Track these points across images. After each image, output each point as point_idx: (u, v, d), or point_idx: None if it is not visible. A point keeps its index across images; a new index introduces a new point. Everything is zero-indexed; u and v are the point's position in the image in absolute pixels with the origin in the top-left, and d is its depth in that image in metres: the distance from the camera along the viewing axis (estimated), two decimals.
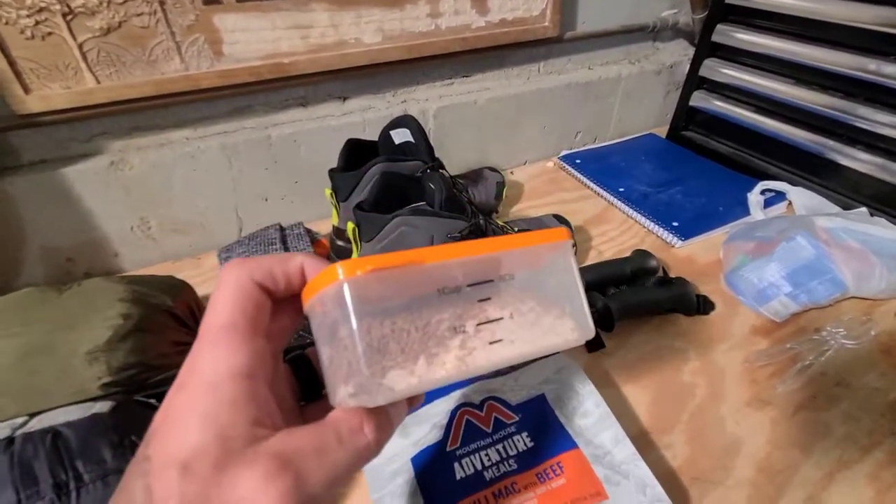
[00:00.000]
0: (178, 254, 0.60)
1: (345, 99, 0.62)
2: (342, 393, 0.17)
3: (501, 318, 0.19)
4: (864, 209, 0.59)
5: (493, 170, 0.68)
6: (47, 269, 0.53)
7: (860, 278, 0.48)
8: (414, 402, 0.21)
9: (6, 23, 0.41)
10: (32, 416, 0.29)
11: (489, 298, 0.19)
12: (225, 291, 0.17)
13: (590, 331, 0.20)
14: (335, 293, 0.16)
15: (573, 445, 0.34)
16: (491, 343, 0.18)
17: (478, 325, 0.18)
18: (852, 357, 0.45)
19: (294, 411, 0.20)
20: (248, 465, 0.14)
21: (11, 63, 0.43)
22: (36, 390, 0.32)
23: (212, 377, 0.16)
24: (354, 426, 0.17)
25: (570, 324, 0.20)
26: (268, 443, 0.15)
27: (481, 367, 0.18)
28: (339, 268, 0.16)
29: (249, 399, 0.16)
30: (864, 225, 0.51)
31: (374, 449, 0.18)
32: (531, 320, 0.19)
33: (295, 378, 0.21)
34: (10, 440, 0.26)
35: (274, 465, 0.14)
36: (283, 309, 0.19)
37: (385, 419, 0.18)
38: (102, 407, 0.29)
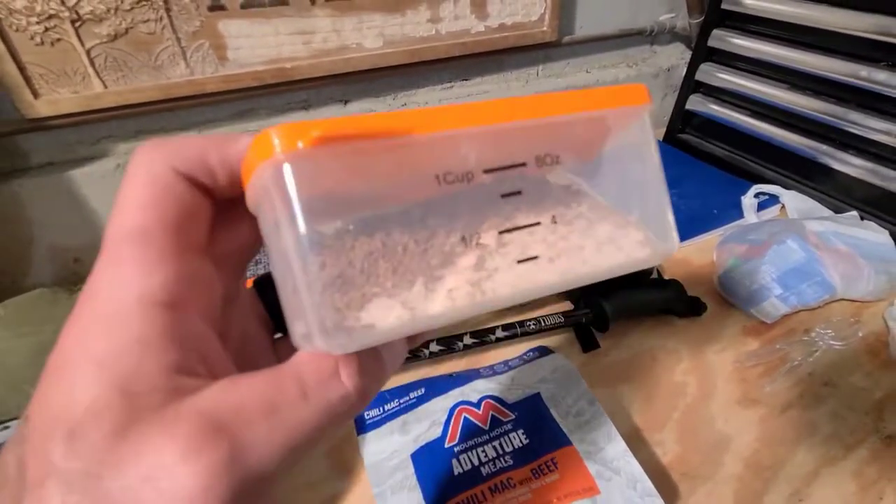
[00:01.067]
0: None
1: (346, 102, 0.64)
2: (296, 332, 0.12)
3: (538, 223, 0.13)
4: (854, 213, 0.60)
5: None
6: (55, 269, 0.54)
7: (848, 281, 0.49)
8: (415, 341, 0.16)
9: (16, 30, 0.42)
10: None
11: (519, 192, 0.13)
12: (135, 184, 0.12)
13: (671, 244, 0.14)
14: (271, 176, 0.10)
15: (567, 442, 0.36)
16: (520, 262, 0.12)
17: (500, 232, 0.12)
18: (839, 357, 0.47)
19: (266, 352, 0.16)
20: (162, 430, 0.10)
21: (21, 69, 0.44)
22: None
23: (112, 307, 0.11)
24: (325, 371, 0.12)
25: (640, 235, 0.14)
26: (195, 398, 0.10)
27: (505, 298, 0.12)
28: (275, 136, 0.10)
29: (168, 338, 0.11)
30: (853, 229, 0.52)
31: (356, 400, 0.12)
32: (582, 227, 0.13)
33: (262, 304, 0.16)
34: None
35: (200, 429, 0.10)
36: (241, 213, 0.14)
37: (372, 359, 0.13)
38: None
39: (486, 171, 0.12)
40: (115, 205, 0.12)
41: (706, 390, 0.44)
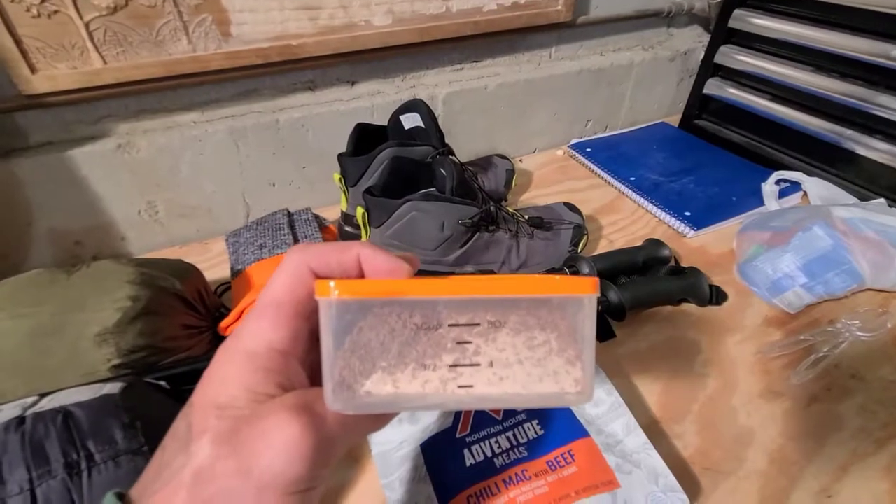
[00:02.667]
0: (186, 238, 0.59)
1: (353, 83, 0.62)
2: (325, 391, 0.17)
3: (478, 365, 0.18)
4: (882, 200, 0.58)
5: (502, 157, 0.67)
6: (55, 252, 0.53)
7: (878, 269, 0.47)
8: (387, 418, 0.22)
9: (12, 1, 0.41)
10: (43, 396, 0.28)
11: (469, 342, 0.18)
12: (281, 272, 0.19)
13: (587, 397, 0.18)
14: (322, 308, 0.17)
15: (584, 434, 0.34)
16: (460, 387, 0.17)
17: (451, 366, 0.17)
18: (867, 350, 0.45)
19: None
20: (273, 409, 0.16)
21: (17, 42, 0.42)
22: (45, 371, 0.32)
23: (251, 347, 0.18)
24: None
25: (560, 387, 0.18)
26: (290, 394, 0.17)
27: (451, 406, 0.19)
28: (322, 283, 0.16)
29: (280, 370, 0.17)
30: (882, 216, 0.50)
31: (383, 419, 0.20)
32: (510, 373, 0.18)
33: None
34: (21, 419, 0.26)
35: (295, 408, 0.16)
36: None
37: None
38: (112, 388, 0.29)
39: (451, 325, 0.17)
40: (269, 281, 0.19)
41: (727, 382, 0.43)
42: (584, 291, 0.17)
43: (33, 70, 0.44)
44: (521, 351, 0.18)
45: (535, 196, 0.69)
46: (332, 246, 0.19)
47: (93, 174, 0.51)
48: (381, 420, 0.20)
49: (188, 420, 0.17)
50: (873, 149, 0.60)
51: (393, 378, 0.17)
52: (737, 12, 0.69)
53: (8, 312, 0.32)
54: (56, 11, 0.42)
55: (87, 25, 0.44)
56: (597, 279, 0.18)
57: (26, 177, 0.48)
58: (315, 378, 0.19)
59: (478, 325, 0.17)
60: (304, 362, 0.19)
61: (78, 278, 0.35)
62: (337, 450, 0.17)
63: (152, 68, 0.48)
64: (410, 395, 0.17)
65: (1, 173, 0.47)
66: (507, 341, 0.18)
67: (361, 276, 0.19)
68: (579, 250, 0.53)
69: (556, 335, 0.18)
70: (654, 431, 0.38)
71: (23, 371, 0.31)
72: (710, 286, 0.49)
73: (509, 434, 0.35)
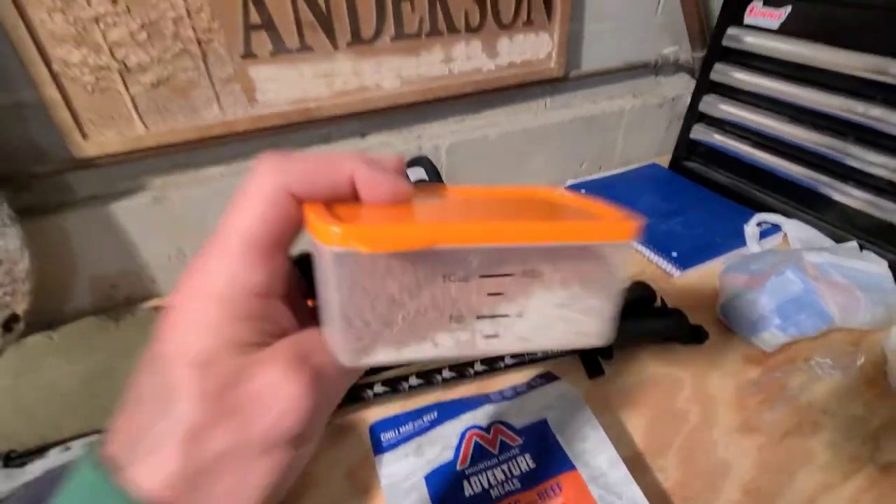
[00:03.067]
0: None
1: (364, 135, 0.67)
2: (335, 345, 0.16)
3: (508, 316, 0.17)
4: (854, 243, 0.62)
5: None
6: (93, 295, 0.58)
7: (846, 311, 0.51)
8: None
9: (72, 80, 0.47)
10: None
11: (501, 294, 0.16)
12: (254, 198, 0.16)
13: (604, 340, 0.18)
14: (324, 255, 0.14)
15: (571, 467, 0.38)
16: (487, 337, 0.17)
17: (478, 317, 0.16)
18: (838, 386, 0.48)
19: (308, 310, 0.20)
20: (267, 362, 0.15)
21: (73, 114, 0.48)
22: (98, 410, 0.36)
23: (225, 290, 0.15)
24: None
25: (586, 329, 0.17)
26: (282, 342, 0.15)
27: (473, 354, 0.18)
28: (334, 229, 0.14)
29: (264, 317, 0.16)
30: (851, 260, 0.54)
31: None
32: (541, 321, 0.17)
33: (303, 277, 0.20)
34: None
35: (293, 360, 0.15)
36: None
37: None
38: None
39: (482, 276, 0.16)
40: (236, 203, 0.16)
41: (708, 417, 0.46)
42: (626, 237, 0.16)
43: (85, 137, 0.50)
44: (553, 300, 0.17)
45: None
46: (317, 162, 0.16)
47: (130, 224, 0.56)
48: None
49: (160, 376, 0.15)
50: (847, 194, 0.64)
51: (412, 330, 0.16)
52: (717, 66, 0.75)
53: (66, 358, 0.37)
54: (108, 87, 0.49)
55: (132, 98, 0.50)
56: (635, 221, 0.17)
57: (72, 229, 0.54)
58: (303, 317, 0.18)
59: (512, 275, 0.16)
60: (290, 299, 0.17)
61: (125, 326, 0.40)
62: (337, 399, 0.17)
63: (187, 132, 0.54)
64: (427, 346, 0.16)
65: (51, 226, 0.52)
66: (539, 291, 0.16)
67: (355, 197, 0.17)
68: None
69: (591, 282, 0.17)
70: (639, 464, 0.42)
71: (79, 410, 0.36)
72: (693, 326, 0.53)
73: (504, 467, 0.39)
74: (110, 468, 0.14)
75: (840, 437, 0.44)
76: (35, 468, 0.29)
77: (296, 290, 0.19)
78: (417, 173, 0.56)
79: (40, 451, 0.30)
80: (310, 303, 0.20)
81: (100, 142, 0.50)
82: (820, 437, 0.44)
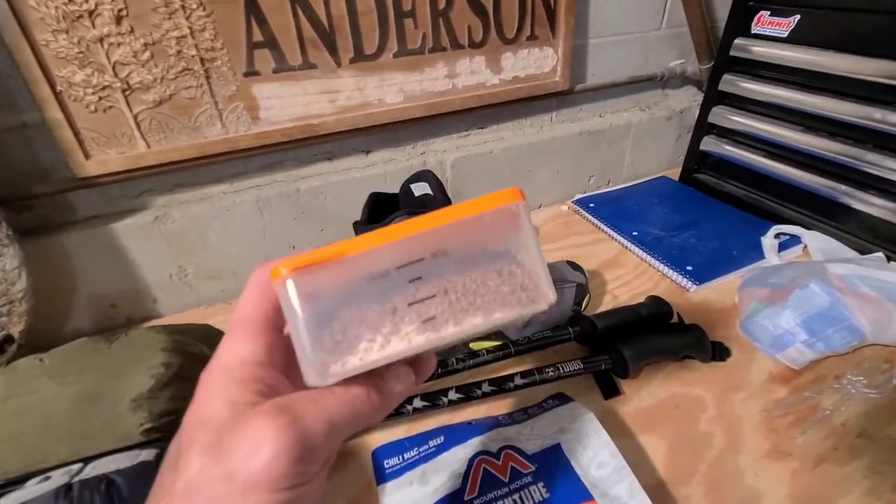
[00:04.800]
0: (212, 299, 0.63)
1: (368, 152, 0.67)
2: (303, 371, 0.18)
3: (434, 296, 0.19)
4: (880, 254, 0.59)
5: None
6: (93, 314, 0.57)
7: (878, 326, 0.48)
8: (423, 372, 0.23)
9: (75, 100, 0.47)
10: (86, 462, 0.31)
11: (420, 278, 0.18)
12: (248, 290, 0.20)
13: (546, 299, 0.19)
14: (279, 291, 0.18)
15: (589, 497, 0.35)
16: (425, 321, 0.18)
17: (409, 304, 0.18)
18: (874, 407, 0.45)
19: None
20: (251, 414, 0.17)
21: (76, 133, 0.48)
22: (87, 436, 0.34)
23: (227, 362, 0.19)
24: (347, 385, 0.19)
25: (521, 295, 0.19)
26: (269, 401, 0.18)
27: (424, 344, 0.18)
28: (274, 268, 0.18)
29: (256, 380, 0.18)
30: (879, 271, 0.51)
31: (371, 406, 0.19)
32: (467, 297, 0.19)
33: None
34: (68, 486, 0.29)
35: (274, 410, 0.17)
36: None
37: (382, 384, 0.20)
38: (148, 455, 0.32)
39: (398, 268, 0.18)
40: (238, 301, 0.20)
41: (733, 441, 0.43)
42: (510, 200, 0.19)
43: (87, 156, 0.50)
44: (469, 274, 0.19)
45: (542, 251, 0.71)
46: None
47: (131, 243, 0.56)
48: (370, 411, 0.19)
49: (178, 442, 0.18)
50: (869, 203, 0.62)
51: (361, 335, 0.18)
52: (726, 76, 0.74)
53: (57, 381, 0.36)
54: (111, 107, 0.49)
55: (135, 117, 0.50)
56: (516, 188, 0.19)
57: (73, 248, 0.53)
58: (300, 387, 0.20)
59: (422, 259, 0.18)
60: (287, 372, 0.20)
61: (118, 347, 0.39)
62: (323, 445, 0.18)
63: (189, 150, 0.53)
64: (378, 345, 0.18)
65: (52, 246, 0.52)
66: (454, 269, 0.19)
67: None
68: (582, 309, 0.55)
69: (497, 251, 0.19)
70: (661, 493, 0.39)
71: (67, 436, 0.34)
72: (713, 342, 0.51)
73: (515, 497, 0.36)
74: None
75: (881, 462, 0.41)
76: (9, 501, 0.27)
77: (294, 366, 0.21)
78: (422, 188, 0.55)
79: (20, 481, 0.29)
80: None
81: (102, 160, 0.50)
82: (859, 462, 0.41)
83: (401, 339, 0.18)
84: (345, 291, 0.18)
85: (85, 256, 0.54)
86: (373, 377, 0.20)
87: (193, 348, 0.41)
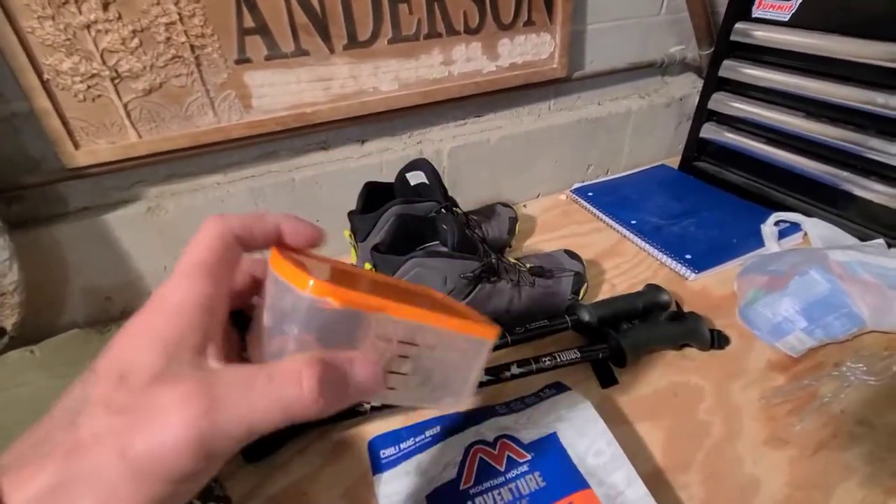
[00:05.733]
0: None
1: (363, 142, 0.66)
2: (269, 350, 0.19)
3: (406, 375, 0.21)
4: (881, 240, 0.58)
5: (505, 205, 0.70)
6: (88, 309, 0.57)
7: (878, 312, 0.47)
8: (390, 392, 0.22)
9: (62, 89, 0.46)
10: None
11: (406, 357, 0.21)
12: (203, 235, 0.19)
13: (458, 407, 0.24)
14: (294, 299, 0.17)
15: (585, 485, 0.35)
16: (387, 388, 0.21)
17: (388, 372, 0.20)
18: (873, 394, 0.45)
19: (238, 360, 0.21)
20: (175, 382, 0.15)
21: (65, 123, 0.47)
22: None
23: (178, 303, 0.17)
24: (289, 372, 0.17)
25: (449, 399, 0.24)
26: (201, 368, 0.16)
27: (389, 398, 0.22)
28: (311, 281, 0.17)
29: (204, 329, 0.17)
30: (880, 258, 0.50)
31: (309, 404, 0.17)
32: (422, 382, 0.22)
33: (235, 330, 0.22)
34: None
35: (195, 386, 0.15)
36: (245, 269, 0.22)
37: (335, 379, 0.18)
38: None
39: (400, 341, 0.20)
40: (189, 245, 0.19)
41: (732, 429, 0.43)
42: (490, 336, 0.23)
43: (77, 146, 0.49)
44: (438, 368, 0.22)
45: (539, 241, 0.71)
46: (252, 216, 0.20)
47: (124, 235, 0.55)
48: (304, 409, 0.17)
49: (84, 389, 0.16)
50: (870, 190, 0.61)
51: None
52: (726, 62, 0.73)
53: (48, 373, 0.35)
54: (99, 96, 0.48)
55: (125, 106, 0.49)
56: (496, 329, 0.23)
57: (65, 240, 0.52)
58: (230, 353, 0.19)
59: (417, 345, 0.21)
60: (222, 325, 0.19)
61: (110, 338, 0.38)
62: (231, 443, 0.16)
63: (181, 139, 0.52)
64: None
65: (43, 238, 0.51)
66: (432, 359, 0.22)
67: (280, 242, 0.21)
68: (580, 297, 0.55)
69: (467, 360, 0.23)
70: (659, 482, 0.39)
71: None
72: (712, 330, 0.50)
73: (511, 486, 0.36)
74: None
75: (881, 450, 0.40)
76: None
77: (229, 334, 0.21)
78: (417, 177, 0.54)
79: None
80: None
81: (92, 151, 0.49)
82: (858, 449, 0.41)
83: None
84: (349, 331, 0.19)
85: (77, 248, 0.53)
86: (328, 371, 0.17)
87: None
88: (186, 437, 0.15)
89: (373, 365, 0.19)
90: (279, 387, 0.16)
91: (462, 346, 0.23)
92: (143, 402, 0.15)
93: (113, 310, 0.59)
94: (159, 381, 0.15)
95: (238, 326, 0.22)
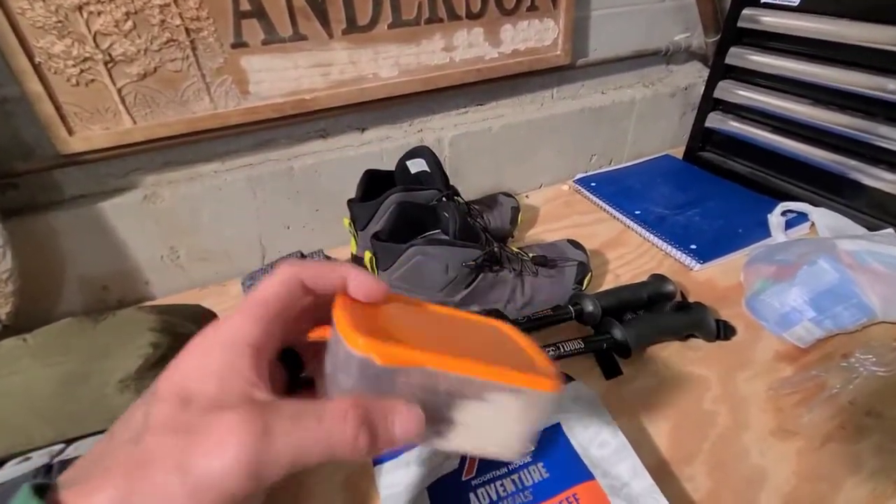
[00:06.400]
0: (205, 281, 0.62)
1: (363, 130, 0.65)
2: (340, 386, 0.19)
3: (455, 423, 0.21)
4: (890, 230, 0.57)
5: (507, 195, 0.69)
6: (84, 297, 0.56)
7: (888, 303, 0.46)
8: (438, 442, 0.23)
9: (55, 72, 0.45)
10: (69, 443, 0.30)
11: (453, 413, 0.21)
12: (272, 278, 0.20)
13: (521, 458, 0.24)
14: (346, 354, 0.19)
15: (590, 477, 0.34)
16: (435, 436, 0.21)
17: (437, 421, 0.21)
18: (883, 385, 0.44)
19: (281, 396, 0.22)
20: (233, 408, 0.16)
21: (58, 108, 0.46)
22: (73, 417, 0.33)
23: (231, 339, 0.18)
24: (338, 413, 0.18)
25: (500, 451, 0.22)
26: (252, 400, 0.17)
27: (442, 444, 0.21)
28: (360, 340, 0.18)
29: (253, 366, 0.18)
30: (890, 247, 0.49)
31: (353, 446, 0.18)
32: (473, 435, 0.21)
33: (284, 368, 0.23)
34: (48, 467, 0.28)
35: (251, 413, 0.16)
36: (310, 317, 0.23)
37: (382, 427, 0.19)
38: None
39: (447, 393, 0.20)
40: (259, 285, 0.20)
41: (738, 420, 0.42)
42: (548, 388, 0.22)
43: (71, 132, 0.48)
44: (491, 420, 0.21)
45: (542, 231, 0.70)
46: (321, 265, 0.22)
47: (121, 223, 0.54)
48: (348, 451, 0.18)
49: (147, 409, 0.17)
50: (880, 179, 0.60)
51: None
52: (733, 50, 0.72)
53: (41, 361, 0.34)
54: (93, 80, 0.47)
55: (119, 91, 0.48)
56: (558, 382, 0.22)
57: (61, 228, 0.52)
58: (275, 388, 0.20)
59: (467, 397, 0.20)
60: (270, 363, 0.20)
61: (104, 327, 0.38)
62: (279, 471, 0.17)
63: (177, 126, 0.51)
64: None
65: (39, 225, 0.50)
66: (484, 412, 0.21)
67: (345, 291, 0.22)
68: (583, 287, 0.54)
69: (520, 413, 0.22)
70: (664, 473, 0.38)
71: (53, 417, 0.33)
72: (717, 321, 0.49)
73: (515, 477, 0.35)
74: (51, 491, 0.15)
75: (889, 441, 0.40)
76: None
77: (276, 371, 0.21)
78: (418, 164, 0.53)
79: (2, 462, 0.28)
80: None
81: (86, 137, 0.48)
82: (866, 441, 0.40)
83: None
84: (399, 385, 0.19)
85: (73, 236, 0.52)
86: (373, 416, 0.18)
87: (183, 329, 0.40)
88: (241, 458, 0.15)
89: (415, 413, 0.19)
90: (326, 424, 0.17)
91: (515, 398, 0.21)
92: (204, 424, 0.16)
93: (110, 299, 0.58)
94: (218, 406, 0.16)
95: (286, 363, 0.23)
